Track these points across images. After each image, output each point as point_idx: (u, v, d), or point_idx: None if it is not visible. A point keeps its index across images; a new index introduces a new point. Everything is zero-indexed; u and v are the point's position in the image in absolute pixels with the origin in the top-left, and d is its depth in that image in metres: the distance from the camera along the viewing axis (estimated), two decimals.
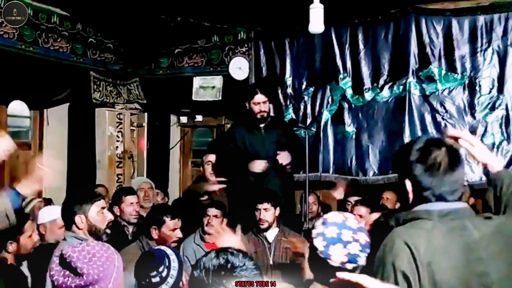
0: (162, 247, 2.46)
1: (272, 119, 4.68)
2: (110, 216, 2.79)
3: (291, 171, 4.57)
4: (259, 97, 4.47)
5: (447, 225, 1.62)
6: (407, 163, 1.70)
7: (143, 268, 2.29)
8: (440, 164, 1.65)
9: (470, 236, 1.60)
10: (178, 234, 3.30)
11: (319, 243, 1.78)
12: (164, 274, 2.26)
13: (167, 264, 2.29)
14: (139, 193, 4.63)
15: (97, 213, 2.71)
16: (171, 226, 3.27)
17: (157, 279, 2.24)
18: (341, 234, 1.77)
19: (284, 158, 4.42)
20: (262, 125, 4.52)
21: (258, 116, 4.46)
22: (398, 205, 4.92)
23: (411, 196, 1.71)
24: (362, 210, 3.74)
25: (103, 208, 2.75)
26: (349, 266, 1.75)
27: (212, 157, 4.66)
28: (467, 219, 1.65)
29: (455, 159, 1.66)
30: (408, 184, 1.71)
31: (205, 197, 4.44)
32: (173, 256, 2.34)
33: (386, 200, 4.92)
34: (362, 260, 1.77)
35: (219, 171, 4.58)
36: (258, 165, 4.37)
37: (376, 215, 2.94)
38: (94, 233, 2.67)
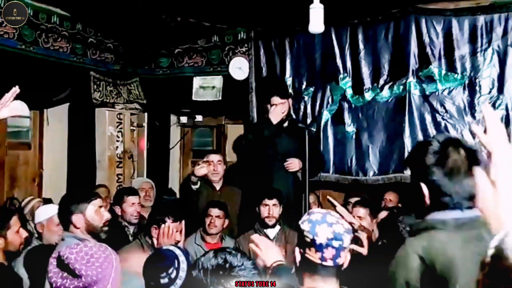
0: (171, 247, 2.43)
1: (293, 121, 4.75)
2: (107, 215, 2.80)
3: (309, 175, 4.64)
4: (275, 99, 4.54)
5: (462, 235, 1.55)
6: (423, 166, 1.63)
7: (152, 269, 2.27)
8: (459, 168, 1.58)
9: (487, 247, 1.54)
10: (177, 237, 3.28)
11: (305, 226, 1.85)
12: (173, 275, 2.24)
13: (176, 265, 2.27)
14: (139, 192, 4.63)
15: (94, 212, 2.71)
16: (172, 228, 3.26)
17: (165, 280, 2.22)
18: (326, 217, 1.86)
19: (293, 165, 4.47)
20: (283, 125, 4.63)
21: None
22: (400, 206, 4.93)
23: (428, 200, 1.65)
24: (361, 211, 3.67)
25: (100, 207, 2.76)
26: (335, 243, 1.80)
27: (213, 157, 4.67)
28: (483, 229, 1.52)
29: (474, 162, 1.58)
30: (425, 188, 1.64)
31: (198, 185, 4.43)
32: (182, 257, 2.32)
33: (388, 201, 4.91)
34: (347, 240, 1.83)
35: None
36: (298, 164, 4.45)
37: (384, 214, 2.98)
38: (92, 232, 2.67)
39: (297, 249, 1.89)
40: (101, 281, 1.67)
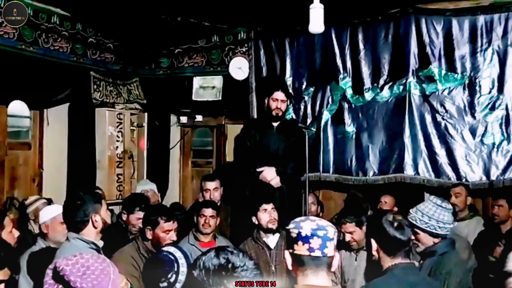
0: (172, 250, 2.42)
1: (286, 121, 4.73)
2: (109, 213, 2.85)
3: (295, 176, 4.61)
4: (279, 94, 4.52)
5: None
6: None
7: (151, 274, 2.27)
8: None
9: None
10: (172, 237, 3.25)
11: (290, 226, 1.96)
12: (172, 279, 2.24)
13: (175, 269, 2.26)
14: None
15: (105, 211, 2.75)
16: (165, 228, 3.25)
17: (164, 284, 2.23)
18: (308, 218, 1.98)
19: (267, 174, 4.44)
20: (275, 124, 4.57)
21: (273, 113, 4.51)
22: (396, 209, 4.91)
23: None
24: (349, 225, 3.53)
25: (107, 205, 2.81)
26: (320, 233, 1.87)
27: (210, 185, 4.62)
28: None
29: None
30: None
31: None
32: (182, 260, 2.31)
33: (384, 204, 4.89)
34: (331, 232, 1.90)
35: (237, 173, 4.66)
36: (270, 175, 4.41)
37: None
38: (104, 230, 2.71)
39: (286, 252, 1.94)
40: None
